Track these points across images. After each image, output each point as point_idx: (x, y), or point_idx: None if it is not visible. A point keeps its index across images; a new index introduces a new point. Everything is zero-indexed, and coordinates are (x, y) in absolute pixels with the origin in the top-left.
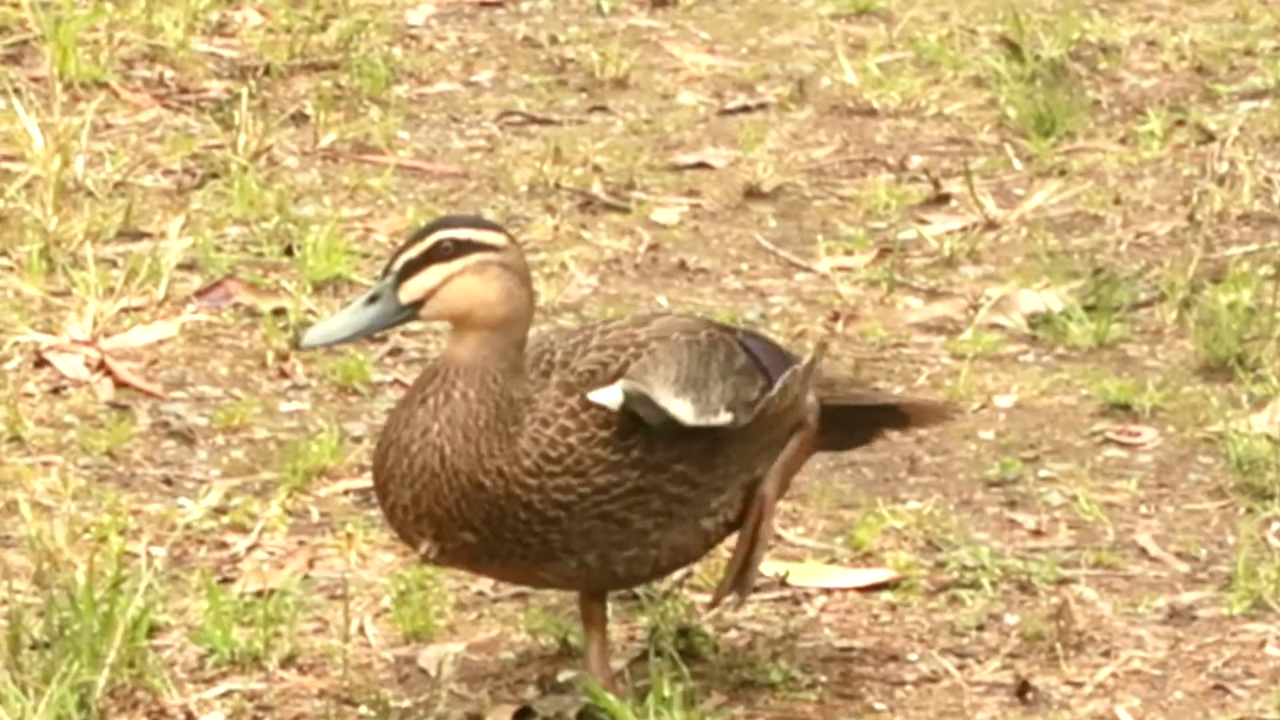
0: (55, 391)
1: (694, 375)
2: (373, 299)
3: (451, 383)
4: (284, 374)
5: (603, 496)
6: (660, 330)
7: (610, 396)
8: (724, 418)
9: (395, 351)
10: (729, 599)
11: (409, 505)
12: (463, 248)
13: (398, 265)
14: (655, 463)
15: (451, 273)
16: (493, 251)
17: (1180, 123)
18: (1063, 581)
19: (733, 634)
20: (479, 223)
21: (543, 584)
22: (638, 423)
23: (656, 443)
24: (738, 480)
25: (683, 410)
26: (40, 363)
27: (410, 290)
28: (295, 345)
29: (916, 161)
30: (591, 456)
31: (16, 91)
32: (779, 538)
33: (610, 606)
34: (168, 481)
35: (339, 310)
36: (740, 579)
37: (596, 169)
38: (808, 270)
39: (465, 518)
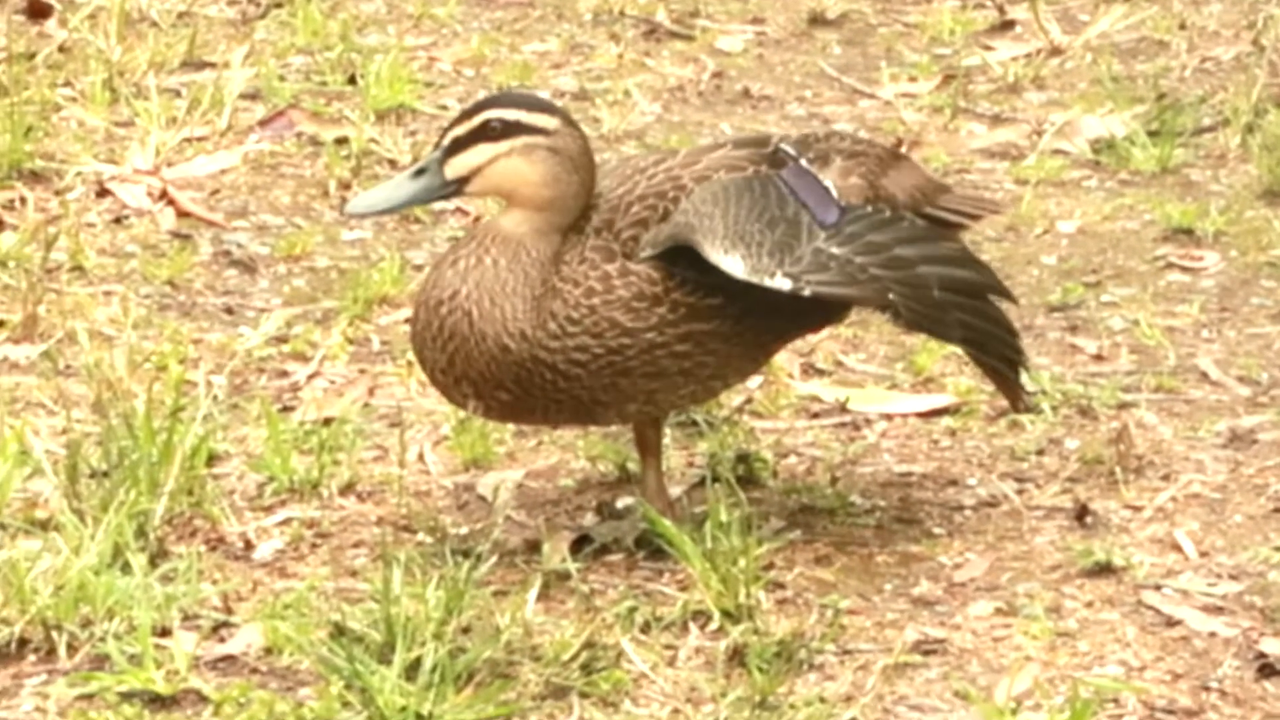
0: (117, 221)
1: (741, 227)
2: (420, 171)
3: (485, 248)
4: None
5: (617, 358)
6: (707, 169)
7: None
8: (780, 282)
9: None
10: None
11: (445, 368)
12: (511, 129)
13: (445, 141)
14: (679, 328)
15: (498, 153)
16: (541, 135)
17: None
18: (1123, 406)
19: (792, 459)
20: (533, 103)
21: (606, 424)
22: (671, 288)
23: (684, 310)
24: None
25: (733, 266)
26: (103, 192)
27: (456, 166)
28: (342, 212)
29: None
30: (609, 320)
31: None
32: (839, 363)
33: (668, 432)
34: (229, 310)
35: (388, 180)
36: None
37: None
38: (871, 97)
39: (497, 379)
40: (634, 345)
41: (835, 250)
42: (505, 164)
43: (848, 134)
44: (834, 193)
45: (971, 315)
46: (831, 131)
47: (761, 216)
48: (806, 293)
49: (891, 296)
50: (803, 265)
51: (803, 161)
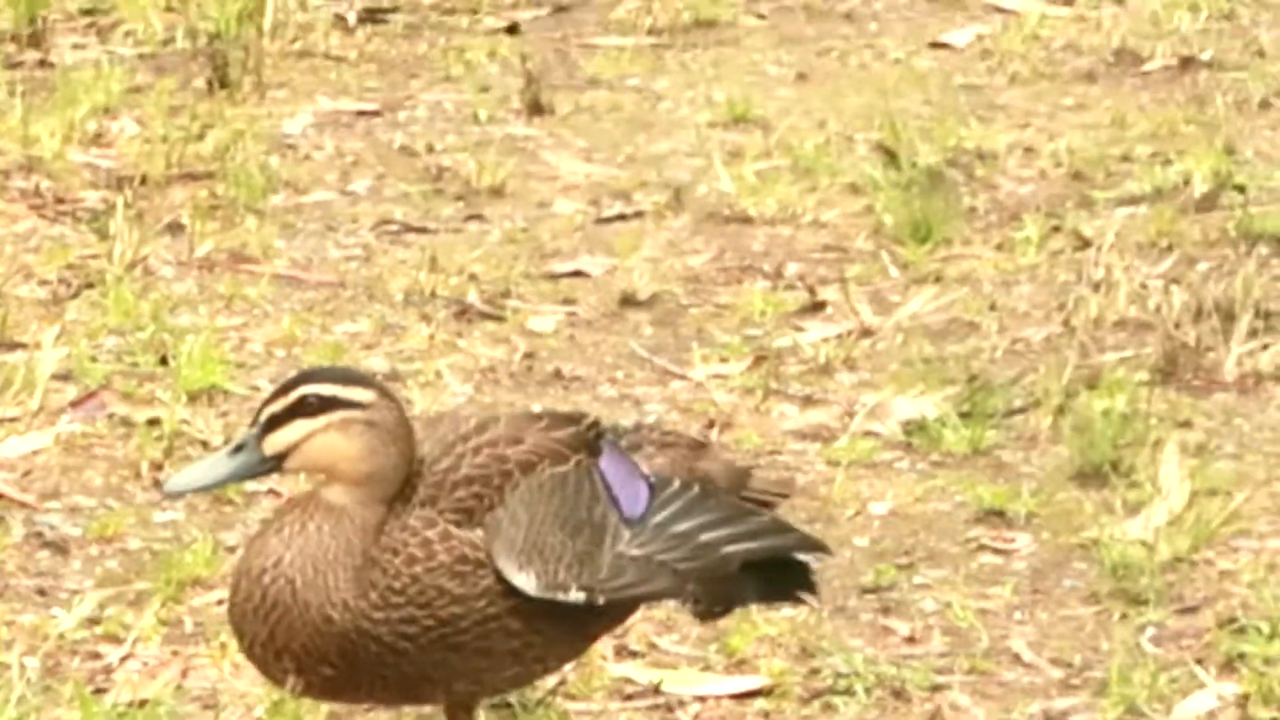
0: None
1: (542, 539)
2: (237, 449)
3: (309, 516)
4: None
5: (448, 629)
6: (531, 454)
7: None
8: (575, 596)
9: None
10: None
11: (266, 640)
12: (327, 404)
13: (262, 417)
14: (508, 600)
15: (314, 429)
16: (358, 409)
17: (1056, 229)
18: (936, 688)
19: None
20: (348, 377)
21: (430, 703)
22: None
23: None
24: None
25: (525, 583)
26: None
27: (273, 443)
28: (160, 491)
29: (793, 269)
30: (436, 588)
31: None
32: (653, 644)
33: (481, 714)
34: (41, 592)
35: (205, 458)
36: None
37: (472, 277)
38: (683, 378)
39: (321, 651)
40: (465, 617)
41: (635, 552)
42: (322, 439)
43: (656, 425)
44: (645, 479)
45: (768, 581)
46: (639, 423)
47: (567, 524)
48: (600, 602)
49: (689, 588)
50: (600, 575)
51: (616, 449)
